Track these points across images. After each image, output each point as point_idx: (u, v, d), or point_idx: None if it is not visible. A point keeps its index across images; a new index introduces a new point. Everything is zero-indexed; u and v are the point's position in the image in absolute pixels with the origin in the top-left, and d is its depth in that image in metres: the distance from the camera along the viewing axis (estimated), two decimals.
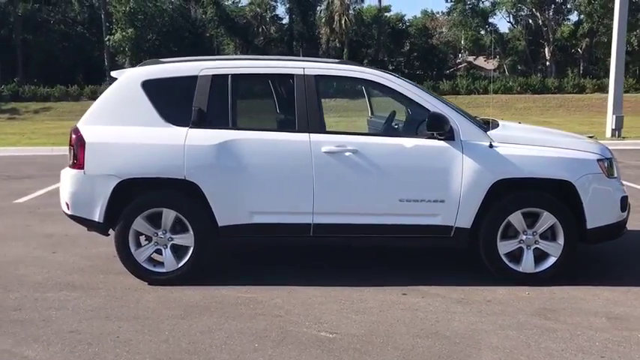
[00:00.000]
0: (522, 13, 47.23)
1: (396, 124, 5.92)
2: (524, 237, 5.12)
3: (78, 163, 5.14)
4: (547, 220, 5.06)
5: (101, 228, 5.27)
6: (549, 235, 5.12)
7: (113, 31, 45.60)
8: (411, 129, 5.33)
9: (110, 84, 5.42)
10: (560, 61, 47.54)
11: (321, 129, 5.12)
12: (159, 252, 5.26)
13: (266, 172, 5.07)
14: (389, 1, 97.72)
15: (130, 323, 4.43)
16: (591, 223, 5.08)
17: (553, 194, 5.10)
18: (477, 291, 5.02)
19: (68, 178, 5.22)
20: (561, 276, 5.13)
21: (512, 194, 5.07)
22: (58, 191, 9.85)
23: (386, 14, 51.89)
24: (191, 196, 5.12)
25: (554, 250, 5.11)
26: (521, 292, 4.99)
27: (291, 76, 5.19)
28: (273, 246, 6.17)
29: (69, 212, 5.27)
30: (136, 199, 5.17)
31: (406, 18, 53.22)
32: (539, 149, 5.11)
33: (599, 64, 47.27)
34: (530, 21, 47.67)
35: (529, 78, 41.84)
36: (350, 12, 47.20)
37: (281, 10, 51.38)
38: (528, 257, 5.13)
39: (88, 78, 44.70)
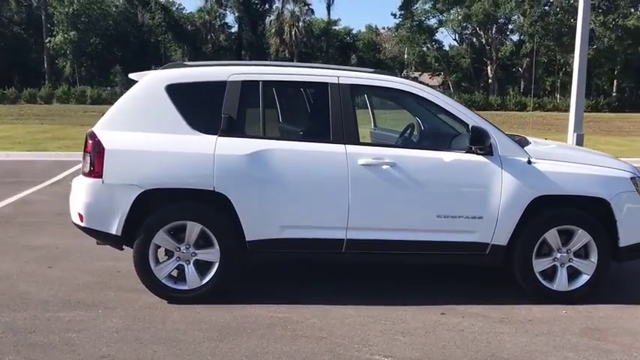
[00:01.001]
0: (467, 31, 48.48)
1: (414, 137, 5.80)
2: (558, 255, 5.04)
3: (95, 171, 4.74)
4: (582, 237, 5.01)
5: (118, 242, 4.88)
6: (582, 252, 5.08)
7: (54, 33, 43.95)
8: (439, 143, 5.20)
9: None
10: (502, 79, 49.02)
11: (356, 140, 4.92)
12: (178, 268, 4.91)
13: (300, 185, 4.82)
14: (337, 14, 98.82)
15: (165, 347, 4.08)
16: (624, 242, 5.07)
17: (586, 211, 5.06)
18: (514, 310, 4.91)
19: (83, 187, 4.81)
20: (593, 295, 5.09)
21: (550, 211, 4.99)
22: (28, 200, 9.35)
23: (334, 27, 52.27)
24: (219, 208, 4.81)
25: (587, 268, 5.06)
26: (558, 310, 4.91)
27: (325, 84, 4.96)
28: (294, 262, 5.87)
29: (82, 224, 4.85)
30: (158, 211, 4.81)
31: (354, 32, 53.82)
32: (576, 166, 5.08)
33: (538, 83, 49.05)
34: (475, 40, 48.99)
35: (473, 95, 42.93)
36: (300, 23, 47.28)
37: (230, 19, 50.93)
38: (562, 275, 5.05)
39: (25, 80, 42.81)
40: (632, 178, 5.13)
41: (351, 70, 5.20)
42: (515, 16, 47.48)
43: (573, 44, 46.79)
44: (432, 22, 48.54)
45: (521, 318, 4.75)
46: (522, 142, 5.27)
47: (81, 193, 4.83)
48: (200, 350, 4.05)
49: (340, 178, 4.81)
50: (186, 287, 4.88)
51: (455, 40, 49.90)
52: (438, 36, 50.58)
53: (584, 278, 5.08)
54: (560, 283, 5.06)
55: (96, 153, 4.74)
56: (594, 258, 5.05)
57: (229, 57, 49.96)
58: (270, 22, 48.60)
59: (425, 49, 51.26)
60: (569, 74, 49.08)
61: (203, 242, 4.87)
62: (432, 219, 4.92)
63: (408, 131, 5.90)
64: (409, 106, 5.47)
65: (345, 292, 5.24)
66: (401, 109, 6.09)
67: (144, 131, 4.83)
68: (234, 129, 4.83)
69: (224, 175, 4.73)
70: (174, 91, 4.88)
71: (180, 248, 4.86)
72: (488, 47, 47.44)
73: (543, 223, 4.99)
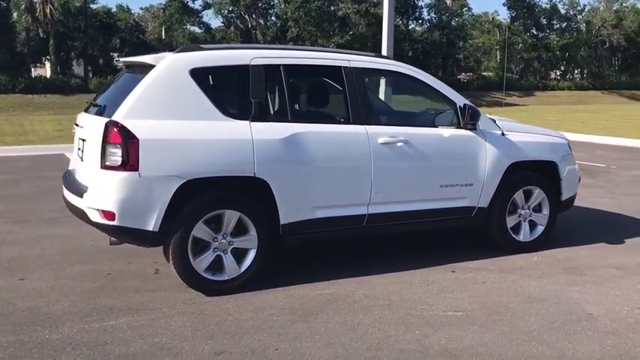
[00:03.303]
0: (233, 15, 49.22)
1: None
2: (522, 212, 5.99)
3: (129, 163, 4.36)
4: (539, 196, 6.01)
5: (153, 239, 4.55)
6: (538, 208, 6.08)
7: None
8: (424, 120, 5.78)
9: None
10: None
11: (371, 121, 5.24)
12: (216, 259, 4.76)
13: (329, 166, 5.00)
14: None
15: (264, 334, 4.04)
16: (564, 196, 6.21)
17: (540, 173, 6.06)
18: (499, 261, 5.70)
19: (114, 182, 4.38)
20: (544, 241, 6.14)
21: (518, 175, 5.86)
22: None
23: (92, 6, 48.87)
24: (256, 194, 4.78)
25: (541, 220, 6.09)
26: (530, 258, 5.83)
27: (339, 68, 5.18)
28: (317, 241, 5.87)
29: (113, 223, 4.42)
30: (195, 201, 4.60)
31: (113, 11, 50.94)
32: (533, 136, 6.05)
33: None
34: (239, 23, 49.95)
35: None
36: (54, 1, 43.27)
37: None
38: (525, 228, 6.02)
39: None
40: (567, 144, 6.28)
41: (356, 54, 5.46)
42: (277, 1, 49.57)
43: (332, 29, 50.34)
44: (197, 3, 48.33)
45: (511, 267, 5.56)
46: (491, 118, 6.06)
47: (111, 188, 4.40)
48: (299, 331, 4.09)
49: (364, 156, 5.11)
50: (225, 277, 4.76)
51: (222, 22, 50.31)
52: (205, 18, 50.40)
53: (539, 229, 6.10)
54: (525, 235, 6.02)
55: (128, 144, 4.36)
56: (546, 211, 6.09)
57: None
58: None
59: (193, 30, 50.73)
60: None
61: (238, 230, 4.79)
62: (437, 188, 5.49)
63: None
64: (408, 87, 5.90)
65: (355, 263, 5.55)
66: None
67: (173, 119, 4.56)
68: (263, 113, 4.81)
69: (263, 160, 4.70)
70: (200, 75, 4.68)
71: (217, 238, 4.72)
72: (254, 31, 48.81)
73: (514, 185, 5.86)
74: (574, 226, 7.05)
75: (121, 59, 5.17)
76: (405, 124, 5.57)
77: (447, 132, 5.52)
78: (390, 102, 6.37)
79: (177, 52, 4.81)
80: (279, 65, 4.97)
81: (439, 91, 5.62)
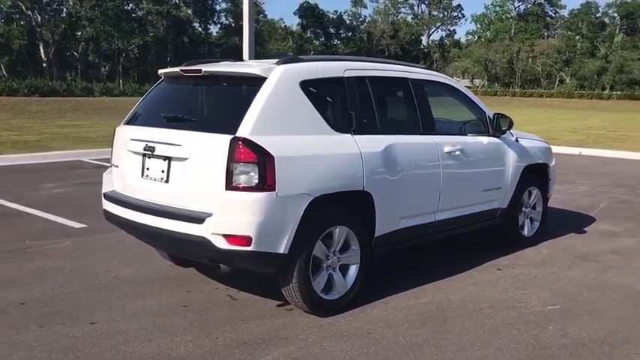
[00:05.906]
0: (14, 10, 44.36)
1: None
2: (526, 210, 6.61)
3: (268, 183, 4.02)
4: (537, 195, 6.69)
5: (282, 263, 4.22)
6: (534, 205, 6.75)
7: None
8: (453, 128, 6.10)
9: None
10: (61, 64, 46.76)
11: (435, 131, 5.41)
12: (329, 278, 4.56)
13: (414, 175, 5.07)
14: None
15: (433, 348, 4.02)
16: (550, 193, 6.98)
17: (536, 174, 6.74)
18: (519, 256, 6.20)
19: (250, 203, 3.99)
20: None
21: (526, 177, 6.44)
22: None
23: None
24: (360, 207, 4.69)
25: (537, 216, 6.77)
26: (539, 250, 6.47)
27: (407, 80, 5.27)
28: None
29: (248, 249, 4.02)
30: (315, 219, 4.35)
31: None
32: (532, 141, 6.70)
33: (97, 68, 48.69)
34: (22, 21, 45.24)
35: (31, 79, 39.91)
36: None
37: None
38: (528, 224, 6.65)
39: None
40: (550, 147, 7.07)
41: (414, 66, 5.57)
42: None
43: (131, 29, 48.51)
44: None
45: (536, 261, 6.10)
46: None
47: (246, 211, 4.00)
48: (457, 341, 4.13)
49: (436, 165, 5.28)
50: (336, 296, 4.59)
51: (2, 19, 44.97)
52: None
53: (535, 224, 6.78)
54: (528, 230, 6.66)
55: (264, 162, 4.01)
56: (540, 208, 6.80)
57: None
58: None
59: None
60: (131, 60, 50.39)
61: (343, 246, 4.65)
62: (480, 193, 5.85)
63: None
64: (446, 97, 6.11)
65: (406, 271, 5.68)
66: None
67: (292, 134, 4.31)
68: (362, 126, 4.74)
69: (370, 173, 4.64)
70: (307, 87, 4.48)
71: (329, 256, 4.54)
72: (39, 29, 44.54)
73: (523, 187, 6.44)
74: None
75: (204, 68, 4.60)
76: (454, 133, 5.82)
77: (485, 140, 5.90)
78: None
79: (282, 63, 4.49)
80: (365, 77, 4.92)
81: (473, 101, 5.98)
